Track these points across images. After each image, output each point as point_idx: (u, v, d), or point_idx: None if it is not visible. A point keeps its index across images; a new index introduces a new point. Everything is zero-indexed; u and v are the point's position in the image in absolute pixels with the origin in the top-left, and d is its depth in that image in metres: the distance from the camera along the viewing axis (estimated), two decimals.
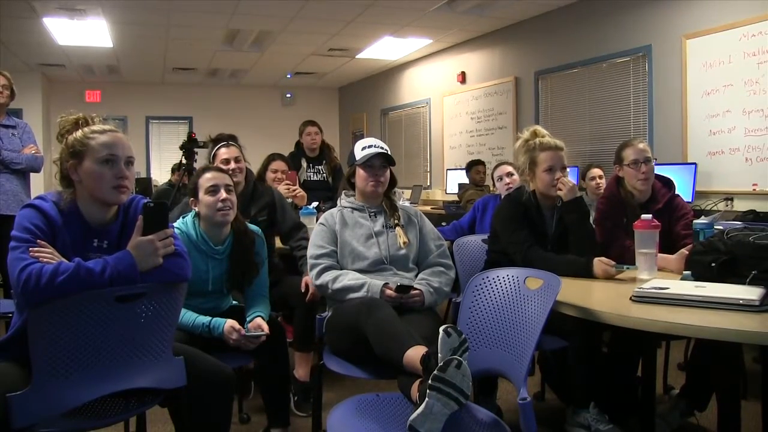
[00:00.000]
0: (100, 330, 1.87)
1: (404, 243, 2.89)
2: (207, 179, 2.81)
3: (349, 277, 2.76)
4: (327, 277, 2.78)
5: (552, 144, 3.01)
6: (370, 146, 2.91)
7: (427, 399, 1.85)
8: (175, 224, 2.73)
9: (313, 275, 2.84)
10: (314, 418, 2.79)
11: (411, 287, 2.73)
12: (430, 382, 1.87)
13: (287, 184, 4.29)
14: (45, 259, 1.85)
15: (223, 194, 2.76)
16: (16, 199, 4.38)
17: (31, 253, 1.85)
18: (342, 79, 11.96)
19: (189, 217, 2.87)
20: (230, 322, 2.64)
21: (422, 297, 2.74)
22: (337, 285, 2.74)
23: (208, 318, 2.66)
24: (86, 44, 8.37)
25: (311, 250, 2.90)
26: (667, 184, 3.18)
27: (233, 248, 2.85)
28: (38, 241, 1.90)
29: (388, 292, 2.68)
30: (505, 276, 2.32)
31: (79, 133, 2.04)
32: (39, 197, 2.03)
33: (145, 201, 2.04)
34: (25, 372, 1.83)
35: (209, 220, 2.80)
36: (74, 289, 1.80)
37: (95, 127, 2.07)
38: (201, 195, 2.80)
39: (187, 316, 2.65)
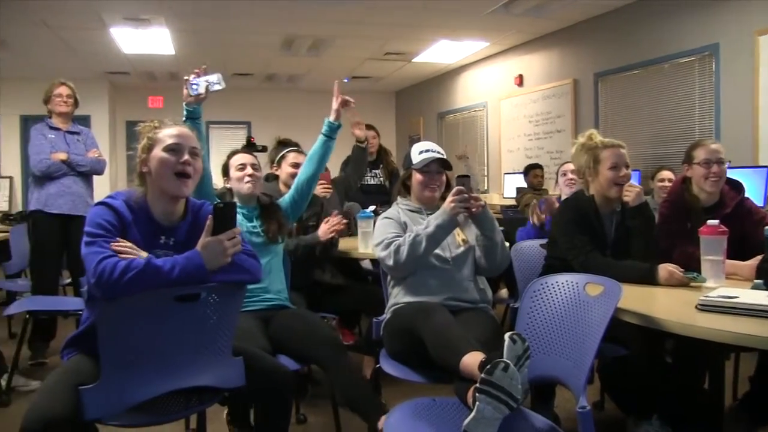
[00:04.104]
0: (165, 328, 1.94)
1: (463, 241, 2.88)
2: (236, 159, 3.23)
3: (412, 234, 2.73)
4: (398, 248, 2.74)
5: (615, 142, 2.96)
6: (427, 150, 2.91)
7: (477, 403, 1.84)
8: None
9: (388, 254, 2.76)
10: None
11: (468, 176, 2.76)
12: (477, 385, 1.86)
13: (323, 185, 4.28)
14: (125, 255, 1.91)
15: (249, 170, 3.18)
16: (82, 200, 4.59)
17: (111, 246, 1.92)
18: (398, 83, 11.99)
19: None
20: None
21: (484, 204, 2.77)
22: (406, 246, 2.70)
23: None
24: (149, 52, 8.62)
25: (380, 239, 2.84)
26: (736, 187, 3.06)
27: (262, 209, 3.23)
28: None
29: (453, 196, 2.68)
30: (564, 282, 2.28)
31: (151, 133, 2.16)
32: (109, 196, 2.12)
33: (216, 203, 2.09)
34: (97, 366, 1.89)
35: (239, 194, 3.19)
36: (143, 285, 1.85)
37: (165, 121, 2.21)
38: (232, 172, 3.21)
39: None
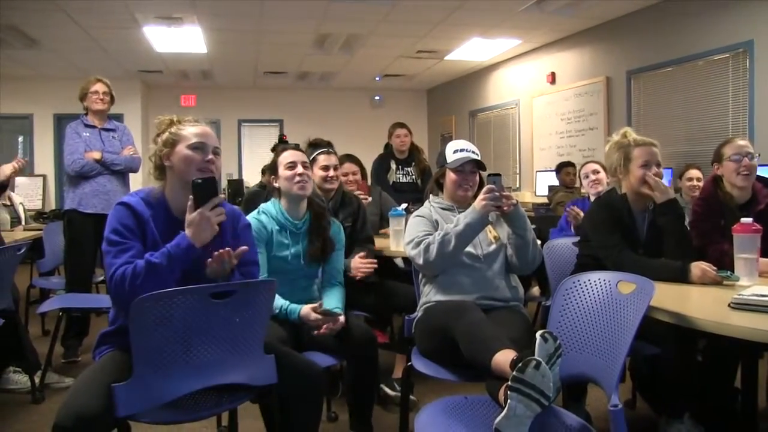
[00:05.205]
0: (196, 326, 1.95)
1: (495, 238, 2.89)
2: (285, 156, 3.02)
3: (442, 232, 2.76)
4: (428, 246, 2.76)
5: (647, 140, 2.95)
6: (462, 150, 2.91)
7: (509, 401, 1.85)
8: (261, 206, 3.01)
9: (418, 253, 2.78)
10: (402, 419, 2.81)
11: (499, 174, 2.76)
12: (509, 383, 1.87)
13: (363, 196, 4.14)
14: None
15: (300, 169, 2.97)
16: (116, 199, 4.57)
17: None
18: (430, 81, 11.98)
19: (273, 202, 3.06)
20: (307, 306, 2.77)
21: (516, 202, 2.78)
22: (435, 244, 2.72)
23: (287, 302, 2.80)
24: (182, 51, 8.72)
25: (411, 237, 2.86)
26: None
27: (311, 224, 3.04)
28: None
29: (484, 195, 2.70)
30: (596, 280, 2.27)
31: (173, 128, 2.24)
32: (129, 194, 2.22)
33: (194, 179, 2.11)
34: (130, 361, 1.93)
35: (288, 194, 3.00)
36: (150, 287, 1.91)
37: (187, 120, 2.28)
38: (281, 171, 3.01)
39: None
